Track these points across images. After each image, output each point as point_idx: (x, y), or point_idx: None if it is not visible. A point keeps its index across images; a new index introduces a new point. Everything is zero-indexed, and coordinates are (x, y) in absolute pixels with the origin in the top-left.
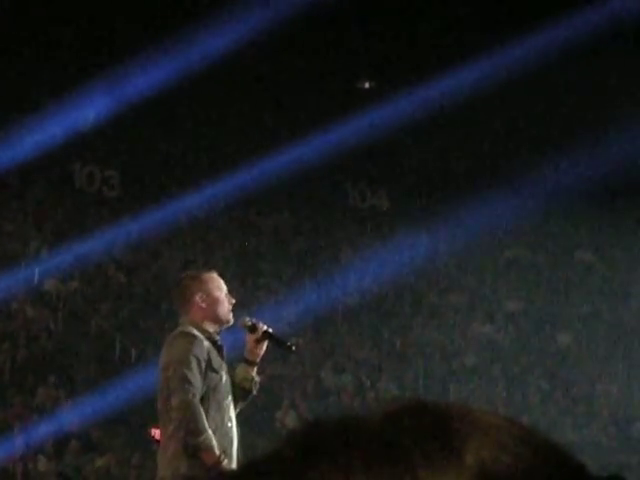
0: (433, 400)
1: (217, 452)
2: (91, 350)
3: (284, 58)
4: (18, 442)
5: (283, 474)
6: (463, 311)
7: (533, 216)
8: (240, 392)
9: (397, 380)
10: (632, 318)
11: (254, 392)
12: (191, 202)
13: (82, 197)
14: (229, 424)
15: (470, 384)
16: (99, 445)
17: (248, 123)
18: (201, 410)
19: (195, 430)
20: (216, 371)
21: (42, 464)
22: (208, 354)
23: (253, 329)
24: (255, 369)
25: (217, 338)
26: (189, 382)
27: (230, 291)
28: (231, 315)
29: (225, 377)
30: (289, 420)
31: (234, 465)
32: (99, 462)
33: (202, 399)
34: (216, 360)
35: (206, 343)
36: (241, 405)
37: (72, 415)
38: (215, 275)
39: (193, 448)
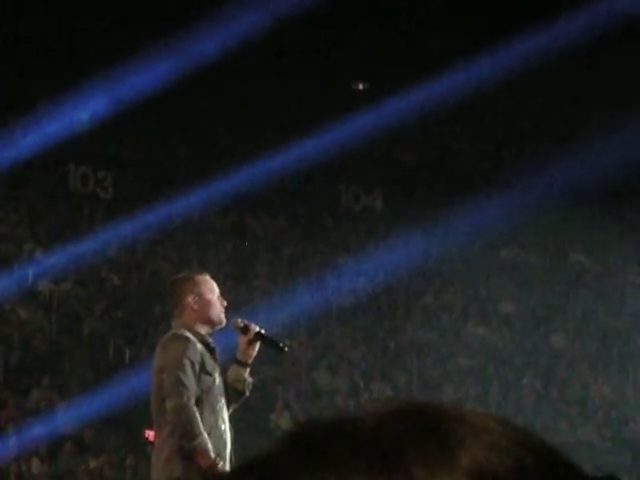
0: (427, 401)
1: (212, 455)
2: (85, 351)
3: (278, 60)
4: (12, 444)
5: (277, 475)
6: (457, 312)
7: (527, 218)
8: (233, 393)
9: (391, 381)
10: (626, 319)
11: (247, 393)
12: (185, 204)
13: (76, 198)
14: (223, 426)
15: (464, 385)
16: (93, 447)
17: (242, 125)
18: (196, 413)
19: (190, 433)
20: (209, 373)
21: (36, 466)
22: (201, 356)
23: (245, 330)
24: (247, 370)
25: (210, 340)
26: (183, 385)
27: (224, 293)
28: (223, 317)
29: (218, 379)
30: (283, 421)
31: (228, 467)
32: (93, 464)
33: (196, 402)
34: (209, 362)
35: (199, 345)
36: (234, 406)
37: (66, 417)
38: (207, 277)
39: (188, 451)
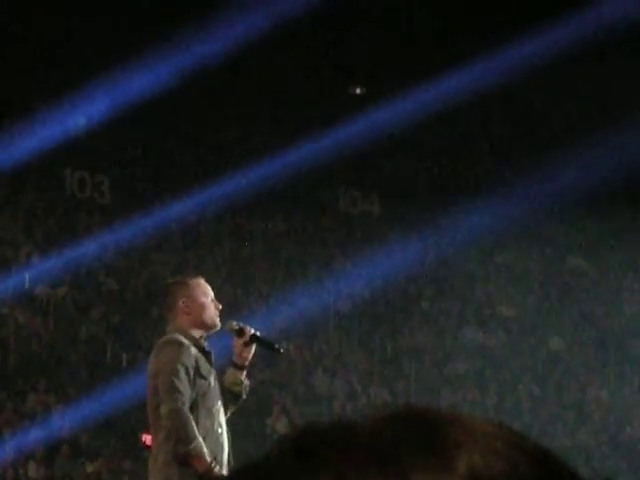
0: (424, 406)
1: (208, 459)
2: (82, 356)
3: (275, 64)
4: (9, 448)
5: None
6: (454, 316)
7: (524, 221)
8: (230, 397)
9: (388, 385)
10: (623, 324)
11: (244, 396)
12: (182, 208)
13: (73, 203)
14: (219, 430)
15: (461, 389)
16: (90, 451)
17: (239, 129)
18: (190, 418)
19: (185, 438)
20: (204, 377)
21: (33, 470)
22: (196, 361)
23: (240, 333)
24: (244, 373)
25: (204, 344)
26: (178, 390)
27: (221, 296)
28: (218, 320)
29: (214, 383)
30: (280, 425)
31: (225, 471)
32: (90, 468)
33: (191, 406)
34: (204, 366)
35: (193, 350)
36: (231, 409)
37: (63, 421)
38: (201, 280)
39: (184, 456)
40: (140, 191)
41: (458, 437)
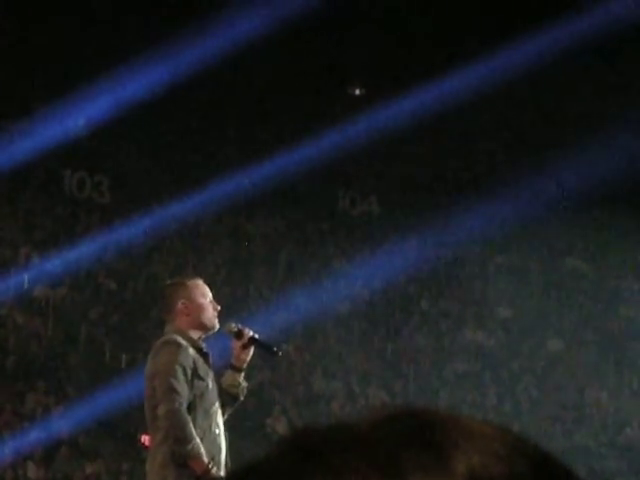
0: (423, 406)
1: (205, 460)
2: (81, 356)
3: (273, 64)
4: (7, 448)
5: None
6: (453, 317)
7: (524, 223)
8: (227, 398)
9: (387, 386)
10: (622, 325)
11: (241, 398)
12: (181, 208)
13: (72, 203)
14: (217, 431)
15: (460, 390)
16: (89, 452)
17: (238, 129)
18: (188, 419)
19: (182, 439)
20: (202, 378)
21: (32, 471)
22: (194, 362)
23: (239, 335)
24: (242, 375)
25: (203, 345)
26: (175, 391)
27: (220, 297)
28: (216, 321)
29: (212, 384)
30: (280, 426)
31: (222, 472)
32: (89, 469)
33: (189, 407)
34: (202, 367)
35: (191, 351)
36: (229, 411)
37: (62, 422)
38: (199, 281)
39: (181, 457)
40: (139, 192)
41: (457, 438)
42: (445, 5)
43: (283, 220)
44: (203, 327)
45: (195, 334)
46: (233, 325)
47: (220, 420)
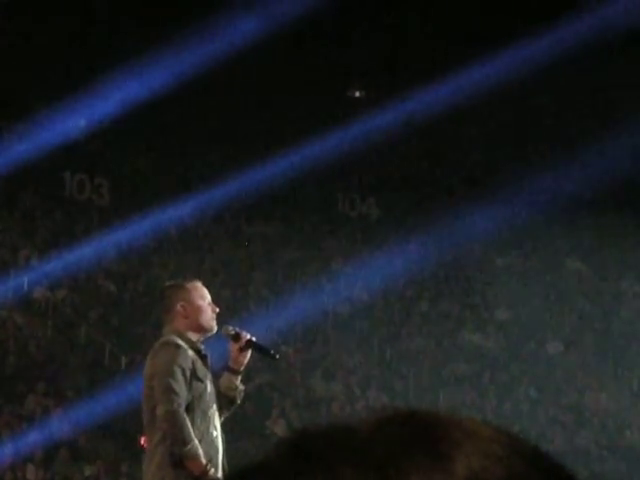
0: (423, 408)
1: (203, 461)
2: (80, 358)
3: (274, 67)
4: (7, 450)
5: None
6: (453, 319)
7: (523, 224)
8: (225, 401)
9: (387, 388)
10: (622, 326)
11: (238, 401)
12: (181, 210)
13: (72, 205)
14: (214, 433)
15: (460, 392)
16: (88, 453)
17: (238, 131)
18: (186, 420)
19: (181, 440)
20: (201, 380)
21: (31, 472)
22: (192, 363)
23: (236, 338)
24: (239, 378)
25: (201, 347)
26: (174, 392)
27: (220, 299)
28: (214, 323)
29: (210, 386)
30: (279, 428)
31: (220, 474)
32: (88, 470)
33: (187, 408)
34: (201, 369)
35: (190, 352)
36: (225, 414)
37: (61, 423)
38: (198, 284)
39: (179, 458)
40: (139, 194)
41: (456, 440)
42: (445, 6)
43: (283, 222)
44: (201, 329)
45: (194, 336)
46: (230, 328)
47: (218, 422)
